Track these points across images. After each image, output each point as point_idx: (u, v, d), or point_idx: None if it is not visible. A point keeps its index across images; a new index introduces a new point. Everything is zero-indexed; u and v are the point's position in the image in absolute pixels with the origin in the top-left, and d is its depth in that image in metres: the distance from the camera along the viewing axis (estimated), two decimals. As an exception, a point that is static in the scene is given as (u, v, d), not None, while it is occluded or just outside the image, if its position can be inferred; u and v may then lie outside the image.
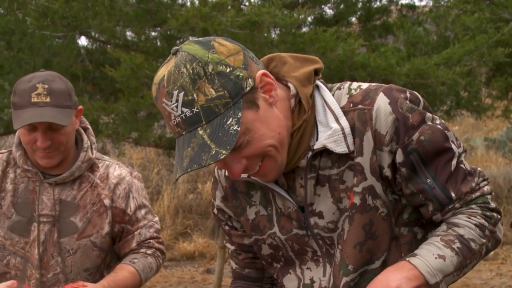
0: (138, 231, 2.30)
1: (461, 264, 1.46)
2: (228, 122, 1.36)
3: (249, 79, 1.39)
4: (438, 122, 1.48)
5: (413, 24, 5.37)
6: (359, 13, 5.80)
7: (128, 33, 5.44)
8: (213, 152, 1.36)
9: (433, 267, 1.43)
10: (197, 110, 1.37)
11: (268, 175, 1.48)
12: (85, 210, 2.25)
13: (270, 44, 4.68)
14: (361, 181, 1.47)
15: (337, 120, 1.47)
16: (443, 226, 1.49)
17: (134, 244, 2.30)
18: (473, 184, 1.50)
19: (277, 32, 4.93)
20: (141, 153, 9.17)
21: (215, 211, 1.68)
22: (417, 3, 6.05)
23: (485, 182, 1.53)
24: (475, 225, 1.48)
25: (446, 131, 1.48)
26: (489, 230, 1.49)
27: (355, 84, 1.52)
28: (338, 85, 1.53)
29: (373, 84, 1.51)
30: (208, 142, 1.36)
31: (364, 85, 1.51)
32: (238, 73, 1.38)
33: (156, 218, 2.37)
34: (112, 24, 4.91)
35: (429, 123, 1.46)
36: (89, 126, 2.35)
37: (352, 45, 4.63)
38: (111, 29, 4.95)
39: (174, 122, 1.39)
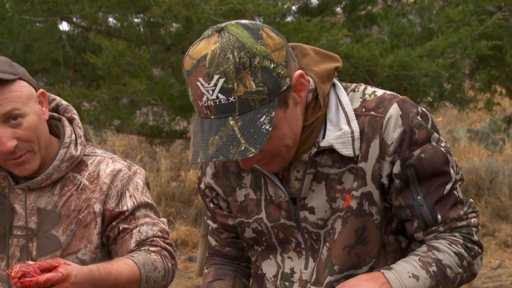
0: (138, 228, 1.82)
1: None
2: (261, 120, 1.35)
3: (287, 78, 1.39)
4: (442, 144, 1.49)
5: (397, 15, 5.35)
6: (344, 3, 5.77)
7: (110, 19, 5.38)
8: (242, 148, 1.34)
9: (405, 285, 1.43)
10: (234, 100, 1.34)
11: (272, 168, 1.49)
12: (69, 220, 1.81)
13: (254, 33, 4.63)
14: (361, 186, 1.47)
15: (348, 122, 1.47)
16: (424, 247, 1.49)
17: (133, 245, 1.80)
18: (461, 213, 1.49)
19: (260, 21, 4.89)
20: (123, 140, 9.12)
21: (202, 186, 1.66)
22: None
23: (473, 214, 1.52)
24: (455, 253, 1.48)
25: (448, 155, 1.48)
26: (467, 261, 1.49)
27: (369, 89, 1.51)
28: (352, 86, 1.53)
29: (388, 92, 1.51)
30: (238, 135, 1.34)
31: (379, 92, 1.51)
32: (279, 71, 1.38)
33: (164, 219, 1.89)
34: (94, 10, 4.85)
35: (434, 143, 1.47)
36: (76, 116, 1.89)
37: (336, 36, 4.61)
38: (93, 15, 4.89)
39: (206, 104, 1.35)
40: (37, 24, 5.21)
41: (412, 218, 1.49)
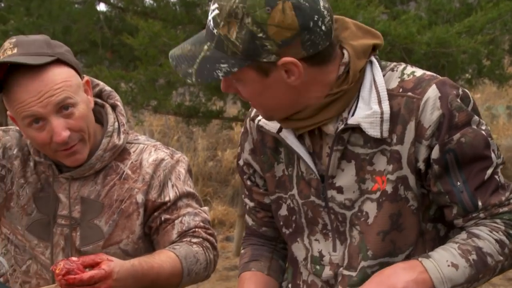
0: (180, 219, 1.81)
1: (472, 277, 1.42)
2: (222, 66, 1.38)
3: (273, 56, 1.37)
4: (483, 127, 1.45)
5: (435, -10, 5.26)
6: (381, -21, 5.69)
7: (147, 0, 5.41)
8: (190, 70, 1.39)
9: (444, 275, 1.39)
10: (215, 33, 1.39)
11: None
12: (111, 210, 1.80)
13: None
14: (396, 170, 1.44)
15: (379, 102, 1.44)
16: (463, 234, 1.45)
17: (174, 235, 1.79)
18: (503, 198, 1.45)
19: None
20: (161, 120, 9.19)
21: (241, 162, 1.66)
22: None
23: None
24: (496, 240, 1.43)
25: (489, 139, 1.44)
26: (509, 248, 1.44)
27: (409, 69, 1.48)
28: (391, 65, 1.50)
29: (427, 73, 1.47)
30: (198, 60, 1.39)
31: (418, 72, 1.47)
32: (266, 44, 1.36)
33: (206, 208, 1.88)
34: (131, -10, 4.88)
35: (474, 126, 1.43)
36: (119, 103, 1.86)
37: (373, 13, 4.55)
38: (130, -5, 4.92)
39: (209, 18, 1.41)
40: (76, 6, 5.27)
41: (452, 205, 1.45)
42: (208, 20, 1.40)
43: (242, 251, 1.73)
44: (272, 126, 1.54)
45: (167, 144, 8.77)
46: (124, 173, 1.81)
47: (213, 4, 1.38)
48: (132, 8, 5.12)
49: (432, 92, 1.42)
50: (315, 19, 1.36)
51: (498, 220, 1.44)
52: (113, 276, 1.59)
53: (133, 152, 1.83)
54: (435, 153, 1.42)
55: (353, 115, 1.45)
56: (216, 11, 1.37)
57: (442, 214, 1.50)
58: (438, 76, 1.47)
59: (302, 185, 1.54)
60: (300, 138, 1.51)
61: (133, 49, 5.16)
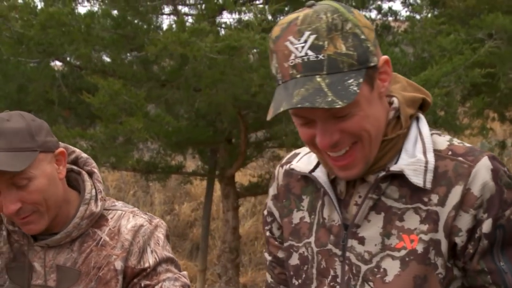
0: (160, 284, 1.77)
1: None
2: (349, 81, 1.28)
3: (375, 57, 1.33)
4: None
5: (389, 45, 5.40)
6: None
7: (105, 57, 5.38)
8: (329, 99, 1.26)
9: None
10: (323, 58, 1.29)
11: (351, 168, 1.38)
12: (88, 278, 1.76)
13: (250, 68, 4.65)
14: (431, 231, 1.35)
15: (424, 152, 1.38)
16: None
17: None
18: None
19: (257, 57, 4.92)
20: (116, 175, 9.06)
21: (265, 212, 1.62)
22: (392, 24, 6.09)
23: None
24: None
25: None
26: None
27: (456, 139, 1.44)
28: (438, 131, 1.46)
29: (476, 147, 1.43)
30: (325, 89, 1.27)
31: (467, 144, 1.43)
32: (369, 45, 1.32)
33: (185, 273, 1.84)
34: (88, 49, 4.85)
35: None
36: (96, 170, 1.84)
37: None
38: (87, 54, 4.88)
39: (292, 62, 1.30)
40: (31, 64, 5.20)
41: (491, 286, 1.36)
42: (300, 57, 1.29)
43: None
44: (303, 167, 1.49)
45: (123, 199, 8.66)
46: (102, 240, 1.78)
47: (301, 35, 1.29)
48: (90, 66, 5.08)
49: (485, 163, 1.36)
50: None
51: None
52: None
53: (111, 219, 1.80)
54: (487, 227, 1.34)
55: (395, 164, 1.39)
56: (313, 36, 1.29)
57: None
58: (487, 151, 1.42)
59: (321, 233, 1.47)
60: (332, 183, 1.46)
61: (90, 106, 5.11)
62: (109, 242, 1.77)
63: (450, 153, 1.39)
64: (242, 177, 7.87)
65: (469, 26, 5.30)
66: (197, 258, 6.84)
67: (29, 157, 1.64)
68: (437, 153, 1.39)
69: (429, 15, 5.73)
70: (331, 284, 1.45)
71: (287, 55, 1.31)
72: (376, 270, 1.39)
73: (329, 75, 1.28)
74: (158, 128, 5.01)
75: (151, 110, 5.50)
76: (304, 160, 1.51)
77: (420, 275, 1.36)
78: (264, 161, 7.58)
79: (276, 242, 1.61)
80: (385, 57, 1.37)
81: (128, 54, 5.40)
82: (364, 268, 1.40)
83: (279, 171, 1.59)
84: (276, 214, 1.59)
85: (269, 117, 1.31)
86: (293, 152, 1.60)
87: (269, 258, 1.64)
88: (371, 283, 1.39)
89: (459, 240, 1.35)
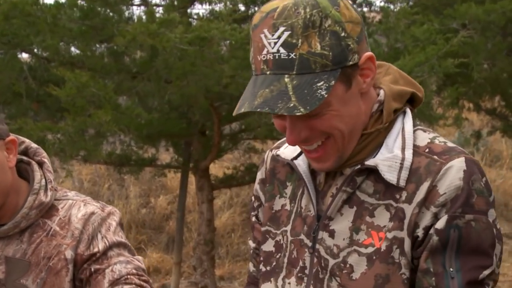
0: (111, 267, 1.72)
1: None
2: (318, 84, 1.24)
3: (356, 55, 1.28)
4: (498, 227, 1.31)
5: (363, 35, 5.34)
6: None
7: (73, 49, 5.27)
8: (291, 105, 1.23)
9: None
10: (294, 57, 1.25)
11: (324, 160, 1.35)
12: (39, 268, 1.72)
13: (221, 59, 4.58)
14: (395, 229, 1.31)
15: (403, 149, 1.34)
16: None
17: (106, 285, 1.71)
18: None
19: (227, 47, 4.84)
20: (90, 169, 8.95)
21: (253, 198, 1.59)
22: (366, 14, 6.04)
23: None
24: None
25: (497, 241, 1.31)
26: None
27: (442, 138, 1.38)
28: (424, 127, 1.40)
29: (460, 148, 1.36)
30: (290, 93, 1.23)
31: (450, 144, 1.36)
32: (349, 43, 1.27)
33: (140, 257, 1.80)
34: (55, 41, 4.74)
35: (490, 220, 1.29)
36: (47, 160, 1.82)
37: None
38: (55, 46, 4.77)
39: (264, 57, 1.26)
40: (-3, 57, 5.08)
41: None
42: (272, 53, 1.26)
43: None
44: (288, 154, 1.47)
45: (97, 192, 8.56)
46: (52, 230, 1.75)
47: (276, 30, 1.25)
48: (58, 58, 4.97)
49: (459, 163, 1.30)
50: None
51: None
52: None
53: (61, 208, 1.78)
54: (441, 223, 1.28)
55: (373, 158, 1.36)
56: (287, 33, 1.24)
57: None
58: (470, 155, 1.36)
59: (297, 222, 1.44)
60: (312, 173, 1.43)
61: (60, 99, 5.01)
62: (60, 232, 1.75)
63: (427, 150, 1.34)
64: (219, 169, 7.81)
65: (443, 16, 5.27)
66: (173, 250, 6.77)
67: None
68: (415, 149, 1.34)
69: (404, 4, 5.69)
70: (299, 275, 1.42)
71: (261, 48, 1.28)
72: (342, 265, 1.36)
73: (298, 75, 1.25)
74: (129, 121, 4.92)
75: (124, 103, 5.41)
76: (291, 147, 1.47)
77: (382, 274, 1.32)
78: (240, 153, 7.51)
79: (260, 227, 1.57)
80: (369, 53, 1.31)
81: (98, 46, 5.28)
82: (332, 262, 1.38)
83: (268, 155, 1.56)
84: (262, 198, 1.55)
85: (235, 113, 1.28)
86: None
87: (253, 245, 1.60)
88: (338, 278, 1.36)
89: (418, 238, 1.30)
